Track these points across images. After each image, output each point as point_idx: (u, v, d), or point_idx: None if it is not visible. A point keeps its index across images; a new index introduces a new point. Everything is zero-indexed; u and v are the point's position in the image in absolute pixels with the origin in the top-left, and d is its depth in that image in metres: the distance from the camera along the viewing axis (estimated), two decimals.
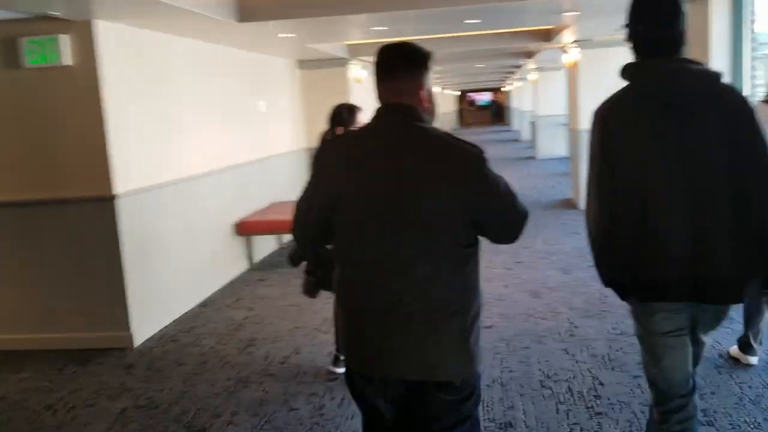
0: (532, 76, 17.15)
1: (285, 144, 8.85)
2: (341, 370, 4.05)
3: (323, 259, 3.73)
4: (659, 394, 2.29)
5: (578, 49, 9.28)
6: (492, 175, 1.87)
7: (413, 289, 1.83)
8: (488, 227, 1.91)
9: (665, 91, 2.09)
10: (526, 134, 22.60)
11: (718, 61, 5.34)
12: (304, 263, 3.88)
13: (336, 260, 2.01)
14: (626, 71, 2.19)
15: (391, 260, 1.84)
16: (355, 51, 9.57)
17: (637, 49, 2.18)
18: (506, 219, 1.94)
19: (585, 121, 13.07)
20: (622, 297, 2.27)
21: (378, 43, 7.38)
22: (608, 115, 2.16)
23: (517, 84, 22.67)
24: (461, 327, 1.87)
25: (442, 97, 27.46)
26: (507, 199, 1.91)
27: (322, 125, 4.18)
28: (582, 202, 8.48)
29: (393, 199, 1.83)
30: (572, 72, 9.93)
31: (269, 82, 8.45)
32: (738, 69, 5.30)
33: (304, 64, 9.56)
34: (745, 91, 5.18)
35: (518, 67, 16.51)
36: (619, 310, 4.78)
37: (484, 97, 41.91)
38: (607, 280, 2.24)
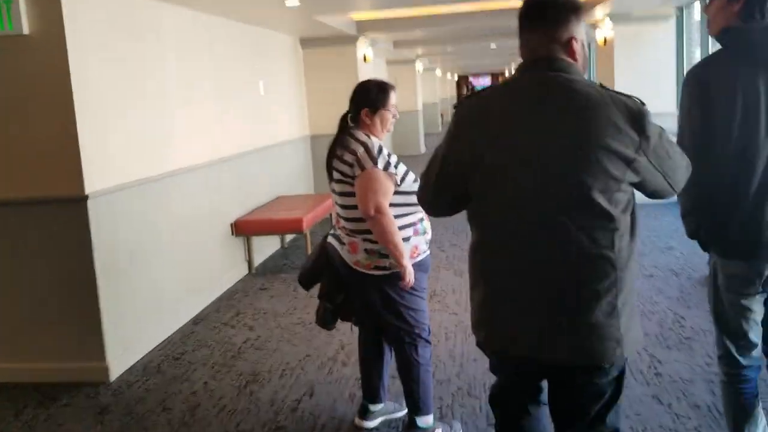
0: None
1: (289, 131, 7.94)
2: (372, 424, 3.18)
3: (342, 279, 2.87)
4: (726, 352, 2.39)
5: (611, 25, 8.36)
6: (658, 132, 1.70)
7: (568, 262, 1.68)
8: (649, 186, 1.75)
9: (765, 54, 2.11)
10: None
11: None
12: (317, 286, 3.05)
13: (470, 228, 1.87)
14: (727, 35, 2.19)
15: (544, 227, 1.68)
16: (363, 27, 8.65)
17: (741, 10, 2.15)
18: (674, 177, 1.79)
19: None
20: (704, 249, 2.38)
21: (388, 18, 6.34)
22: (707, 76, 2.17)
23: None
24: (612, 308, 1.70)
25: (441, 82, 26.46)
26: (675, 163, 1.77)
27: (327, 109, 3.27)
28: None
29: (545, 158, 1.66)
30: (603, 52, 9.00)
31: (271, 61, 7.53)
32: None
33: (308, 42, 8.64)
34: None
35: None
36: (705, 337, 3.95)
37: (482, 81, 41.01)
38: (693, 235, 2.35)
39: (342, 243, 2.91)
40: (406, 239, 2.83)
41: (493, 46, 13.49)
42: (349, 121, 2.96)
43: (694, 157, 2.00)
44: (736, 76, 2.11)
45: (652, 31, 8.17)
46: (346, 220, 2.90)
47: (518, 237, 1.72)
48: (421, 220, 2.95)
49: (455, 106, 1.87)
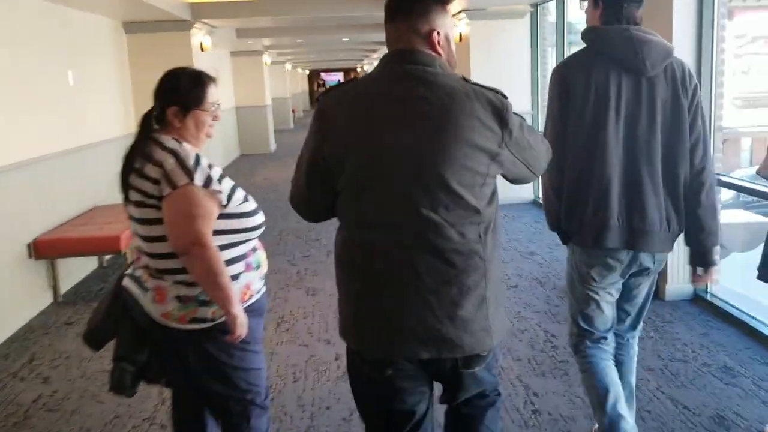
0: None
1: (108, 128, 6.79)
2: None
3: (144, 334, 2.10)
4: (579, 330, 2.52)
5: (467, 20, 8.02)
6: (520, 124, 1.71)
7: (440, 256, 1.65)
8: (511, 175, 1.78)
9: (625, 54, 2.24)
10: None
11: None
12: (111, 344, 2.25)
13: (339, 228, 1.78)
14: (589, 34, 2.33)
15: (415, 225, 1.64)
16: (199, 12, 7.70)
17: (601, 15, 2.31)
18: (536, 165, 1.83)
19: None
20: (564, 241, 2.47)
21: (227, 1, 5.10)
22: (567, 72, 2.32)
23: (369, 67, 21.43)
24: (481, 301, 1.70)
25: (291, 76, 25.70)
26: (536, 154, 1.81)
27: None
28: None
29: (409, 154, 1.62)
30: (459, 49, 8.66)
31: (85, 49, 6.37)
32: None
33: (134, 27, 7.52)
34: None
35: (382, 43, 15.10)
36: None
37: (334, 78, 40.69)
38: (554, 227, 2.45)
39: (144, 288, 2.12)
40: (236, 277, 2.12)
41: (345, 39, 12.95)
42: (153, 123, 2.17)
43: (554, 147, 2.09)
44: (591, 71, 2.26)
45: (508, 28, 7.93)
46: (150, 256, 2.13)
47: (390, 235, 1.67)
48: (254, 250, 2.23)
49: (317, 100, 1.78)
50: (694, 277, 2.44)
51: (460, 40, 8.37)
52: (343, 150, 1.67)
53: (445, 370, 1.76)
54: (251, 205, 2.21)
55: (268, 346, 4.02)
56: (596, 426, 2.52)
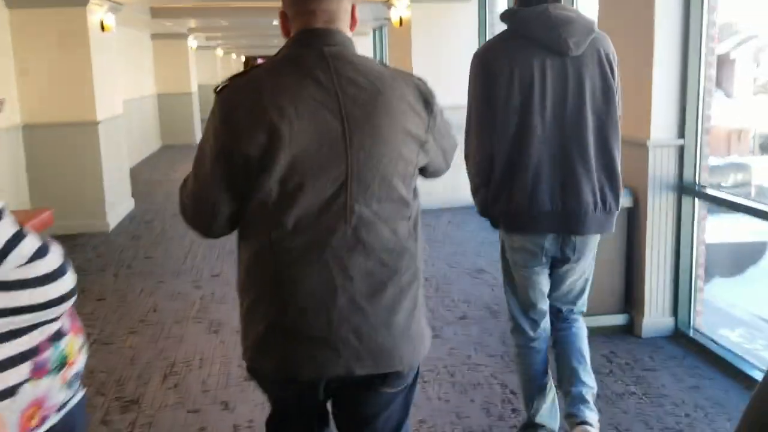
0: None
1: None
2: None
3: None
4: (515, 319, 2.52)
5: (408, 2, 7.17)
6: (441, 110, 1.62)
7: (367, 261, 1.50)
8: (431, 166, 1.67)
9: (546, 34, 2.18)
10: None
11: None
12: None
13: (254, 235, 1.54)
14: (508, 16, 2.28)
15: (344, 220, 1.48)
16: None
17: None
18: (450, 154, 1.72)
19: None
20: (494, 226, 2.44)
21: None
22: (489, 57, 2.26)
23: None
24: (414, 302, 1.58)
25: (224, 62, 24.28)
26: (453, 143, 1.73)
27: (48, 91, 2.59)
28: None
29: (342, 144, 1.47)
30: (397, 34, 7.83)
31: None
32: None
33: (17, 0, 6.35)
34: None
35: None
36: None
37: None
38: (484, 212, 2.39)
39: None
40: (10, 392, 1.24)
41: (275, 23, 11.88)
42: None
43: (479, 133, 2.26)
44: (513, 55, 2.21)
45: (454, 12, 7.15)
46: None
47: (319, 237, 1.48)
48: (57, 338, 1.35)
49: (218, 90, 1.52)
50: None
51: (401, 24, 7.54)
52: (265, 145, 1.45)
53: (352, 389, 1.61)
54: (46, 264, 1.30)
55: (146, 410, 3.10)
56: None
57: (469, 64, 2.31)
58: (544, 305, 2.46)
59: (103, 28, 7.09)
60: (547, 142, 2.21)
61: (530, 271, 2.38)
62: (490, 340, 3.80)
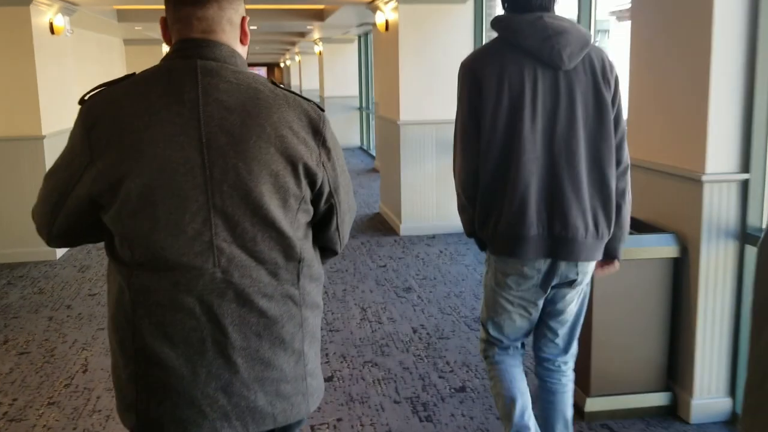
0: (298, 59, 14.68)
1: None
2: None
3: None
4: (489, 337, 2.34)
5: (395, 4, 6.42)
6: (336, 144, 1.47)
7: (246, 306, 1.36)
8: (323, 217, 1.50)
9: (538, 45, 2.03)
10: None
11: None
12: None
13: (114, 271, 1.40)
14: (499, 24, 2.11)
15: (211, 261, 1.33)
16: None
17: (510, 3, 2.12)
18: (346, 209, 1.54)
19: (329, 91, 11.52)
20: (480, 248, 2.27)
21: None
22: (477, 67, 2.10)
23: (299, 58, 19.67)
24: (298, 356, 1.44)
25: None
26: (348, 182, 1.55)
27: None
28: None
29: (204, 171, 1.32)
30: (383, 39, 7.08)
31: None
32: None
33: None
34: None
35: (302, 35, 13.50)
36: None
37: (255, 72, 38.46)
38: (470, 233, 2.24)
39: None
40: None
41: (253, 27, 11.17)
42: None
43: (464, 147, 2.11)
44: (503, 65, 2.07)
45: (446, 15, 6.38)
46: None
47: (182, 280, 1.33)
48: None
49: (83, 100, 1.38)
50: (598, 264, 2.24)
51: (387, 28, 6.78)
52: (117, 170, 1.31)
53: None
54: None
55: None
56: None
57: (457, 73, 2.16)
58: (523, 333, 2.30)
59: (52, 30, 6.28)
60: (536, 161, 2.05)
61: (515, 295, 2.19)
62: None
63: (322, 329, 4.15)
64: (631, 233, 2.53)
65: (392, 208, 7.02)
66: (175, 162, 1.30)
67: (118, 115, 1.32)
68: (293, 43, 17.03)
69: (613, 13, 11.13)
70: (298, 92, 1.45)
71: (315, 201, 1.45)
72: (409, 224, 6.57)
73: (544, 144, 2.06)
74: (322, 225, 1.50)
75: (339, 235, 1.54)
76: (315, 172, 1.39)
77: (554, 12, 2.11)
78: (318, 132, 1.40)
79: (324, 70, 13.97)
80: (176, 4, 1.39)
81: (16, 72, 5.78)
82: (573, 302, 2.23)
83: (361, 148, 14.00)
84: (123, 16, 9.32)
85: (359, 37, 13.16)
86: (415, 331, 4.12)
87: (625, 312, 2.92)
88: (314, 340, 1.48)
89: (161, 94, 1.32)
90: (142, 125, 1.31)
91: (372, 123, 12.82)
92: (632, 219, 2.70)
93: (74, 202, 1.38)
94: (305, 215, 1.42)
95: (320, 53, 14.08)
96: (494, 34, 2.15)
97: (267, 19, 9.80)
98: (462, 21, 6.44)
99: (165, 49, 5.87)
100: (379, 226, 7.05)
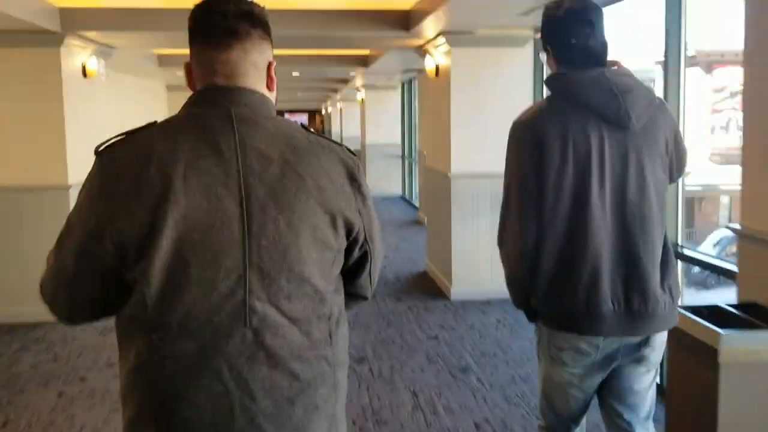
0: (339, 105, 14.69)
1: None
2: None
3: None
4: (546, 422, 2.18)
5: (447, 48, 5.94)
6: (368, 187, 1.41)
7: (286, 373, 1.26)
8: (356, 267, 1.43)
9: (604, 104, 1.92)
10: None
11: None
12: None
13: (133, 336, 1.27)
14: (556, 82, 2.00)
15: (243, 321, 1.24)
16: (73, 20, 5.41)
17: (566, 59, 2.00)
18: (379, 254, 1.47)
19: (370, 139, 11.09)
20: (531, 320, 2.12)
21: (118, 9, 2.52)
22: (537, 126, 1.96)
23: (340, 105, 19.48)
24: (332, 421, 1.33)
25: None
26: (378, 226, 1.47)
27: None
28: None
29: (241, 226, 1.24)
30: (433, 86, 6.60)
31: None
32: None
33: None
34: None
35: (345, 81, 13.18)
36: None
37: (297, 119, 38.85)
38: (521, 304, 2.10)
39: None
40: None
41: (295, 73, 10.88)
42: None
43: (523, 217, 1.96)
44: (565, 123, 1.92)
45: (505, 58, 5.90)
46: None
47: (211, 343, 1.23)
48: None
49: (99, 150, 1.28)
50: None
51: (437, 74, 6.30)
52: (145, 225, 1.21)
53: None
54: None
55: None
56: None
57: (509, 132, 2.01)
58: (583, 410, 2.11)
59: (85, 73, 5.96)
60: (606, 229, 1.93)
61: (571, 371, 2.02)
62: None
63: (365, 419, 3.55)
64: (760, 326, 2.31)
65: (441, 267, 6.42)
66: (212, 215, 1.23)
67: (144, 167, 1.22)
68: (335, 90, 16.78)
69: (658, 62, 10.63)
70: (329, 137, 1.39)
71: (349, 249, 1.37)
72: (460, 287, 5.95)
73: (615, 210, 1.94)
74: (354, 272, 1.43)
75: (371, 281, 1.47)
76: (353, 221, 1.33)
77: (616, 66, 1.99)
78: (354, 178, 1.35)
79: (366, 117, 13.59)
80: (199, 47, 1.33)
81: (44, 117, 5.42)
82: (642, 381, 2.05)
83: (402, 197, 13.48)
84: (164, 61, 9.09)
85: (403, 84, 12.78)
86: (478, 427, 3.47)
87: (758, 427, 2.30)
88: (344, 400, 1.38)
89: (194, 142, 1.24)
90: (174, 175, 1.21)
91: (414, 172, 12.33)
92: (754, 306, 2.50)
93: (95, 267, 1.26)
94: (338, 267, 1.35)
95: (362, 100, 13.73)
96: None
97: (310, 65, 9.46)
98: (520, 66, 5.92)
99: None
100: (426, 287, 6.45)
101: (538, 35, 6.02)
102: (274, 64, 1.39)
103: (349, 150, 1.39)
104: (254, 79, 1.33)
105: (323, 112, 32.77)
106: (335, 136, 24.50)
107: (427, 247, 7.22)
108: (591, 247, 1.91)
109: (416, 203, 11.79)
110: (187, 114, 1.31)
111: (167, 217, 1.20)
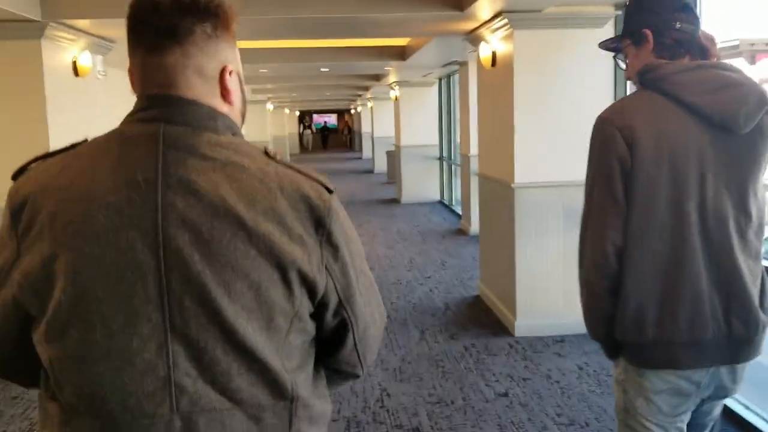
0: (370, 104, 14.52)
1: None
2: None
3: None
4: None
5: (506, 29, 4.91)
6: (350, 238, 1.10)
7: None
8: (334, 330, 1.13)
9: (709, 102, 1.66)
10: (368, 153, 19.75)
11: None
12: None
13: (43, 407, 1.08)
14: (649, 73, 1.73)
15: (156, 411, 0.99)
16: (56, 7, 4.49)
17: (667, 47, 1.75)
18: (367, 323, 1.15)
19: (405, 140, 10.21)
20: (611, 356, 1.85)
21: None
22: (627, 123, 1.69)
23: (371, 104, 18.52)
24: None
25: (287, 118, 23.62)
26: (369, 288, 1.16)
27: None
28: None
29: (147, 292, 0.99)
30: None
31: None
32: None
33: None
34: None
35: (377, 78, 12.21)
36: None
37: (323, 120, 38.30)
38: (600, 334, 1.80)
39: None
40: None
41: (324, 69, 9.91)
42: None
43: (604, 222, 1.71)
44: (660, 123, 1.69)
45: (580, 41, 4.79)
46: None
47: (126, 431, 1.00)
48: None
49: (15, 175, 1.10)
50: None
51: (494, 63, 5.26)
52: (45, 269, 1.01)
53: None
54: None
55: None
56: None
57: (593, 129, 1.74)
58: None
59: (76, 71, 5.06)
60: (707, 244, 1.67)
61: (667, 421, 1.76)
62: None
63: None
64: None
65: (500, 294, 5.37)
66: (121, 266, 0.99)
67: (50, 197, 1.02)
68: (366, 88, 15.79)
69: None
70: (299, 168, 1.07)
71: (318, 314, 1.08)
72: (527, 321, 4.90)
73: (717, 222, 1.68)
74: (334, 343, 1.13)
75: (359, 356, 1.16)
76: (314, 279, 1.04)
77: (710, 55, 1.75)
78: (321, 223, 1.04)
79: (401, 116, 12.54)
80: (132, 48, 1.08)
81: (25, 120, 4.55)
82: (716, 411, 1.90)
83: (440, 202, 12.43)
84: None
85: (440, 81, 11.75)
86: None
87: None
88: None
89: (109, 171, 1.02)
90: (80, 213, 1.00)
91: (455, 174, 11.29)
92: None
93: (9, 314, 1.06)
94: (301, 336, 1.07)
95: (396, 98, 12.68)
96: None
97: (341, 59, 8.44)
98: (599, 51, 4.85)
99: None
100: (482, 318, 5.40)
101: (621, 12, 4.83)
102: (235, 70, 1.11)
103: (324, 185, 1.07)
104: (201, 90, 1.07)
105: (352, 111, 31.77)
106: (366, 137, 23.52)
107: (480, 267, 6.17)
108: (691, 264, 1.68)
109: (457, 209, 10.76)
110: (112, 131, 1.07)
111: (67, 266, 0.99)
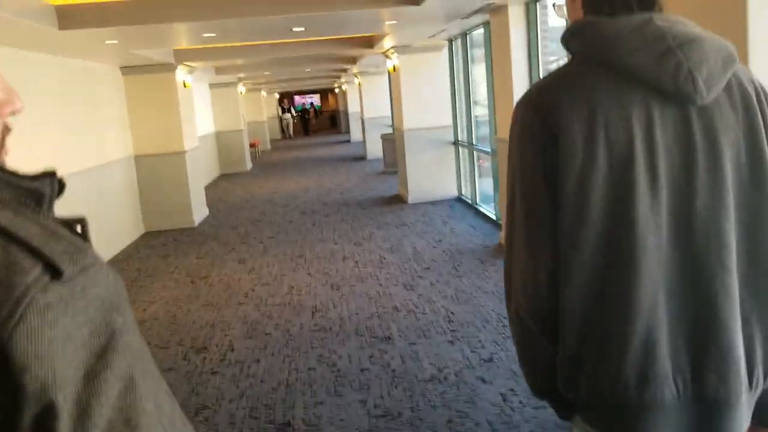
0: (357, 80, 16.15)
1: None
2: None
3: None
4: None
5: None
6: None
7: None
8: None
9: (654, 65, 1.23)
10: (357, 135, 19.65)
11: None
12: None
13: None
14: (579, 35, 1.31)
15: None
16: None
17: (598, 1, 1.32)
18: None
19: (409, 122, 9.87)
20: (564, 416, 1.40)
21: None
22: (547, 106, 1.27)
23: (358, 80, 16.56)
24: None
25: (264, 101, 23.37)
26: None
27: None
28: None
29: None
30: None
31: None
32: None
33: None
34: None
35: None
36: None
37: (308, 100, 36.60)
38: (543, 388, 1.39)
39: None
40: None
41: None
42: None
43: (532, 242, 1.29)
44: (595, 101, 1.25)
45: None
46: None
47: None
48: None
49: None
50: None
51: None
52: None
53: None
54: None
55: None
56: None
57: (512, 116, 1.35)
58: None
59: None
60: (664, 262, 1.23)
61: None
62: None
63: None
64: None
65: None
66: None
67: None
68: (353, 60, 13.13)
69: None
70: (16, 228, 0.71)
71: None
72: None
73: (676, 232, 1.23)
74: None
75: None
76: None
77: (664, 11, 1.29)
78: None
79: (401, 92, 9.88)
80: None
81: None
82: None
83: (460, 199, 9.87)
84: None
85: (450, 42, 9.19)
86: None
87: None
88: None
89: None
90: None
91: (476, 162, 8.80)
92: None
93: None
94: None
95: (394, 68, 10.00)
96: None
97: (323, 9, 5.79)
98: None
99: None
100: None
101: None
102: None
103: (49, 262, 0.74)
104: None
105: (336, 90, 28.87)
106: (355, 119, 20.90)
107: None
108: (641, 292, 1.21)
109: (489, 212, 8.27)
110: None
111: None
